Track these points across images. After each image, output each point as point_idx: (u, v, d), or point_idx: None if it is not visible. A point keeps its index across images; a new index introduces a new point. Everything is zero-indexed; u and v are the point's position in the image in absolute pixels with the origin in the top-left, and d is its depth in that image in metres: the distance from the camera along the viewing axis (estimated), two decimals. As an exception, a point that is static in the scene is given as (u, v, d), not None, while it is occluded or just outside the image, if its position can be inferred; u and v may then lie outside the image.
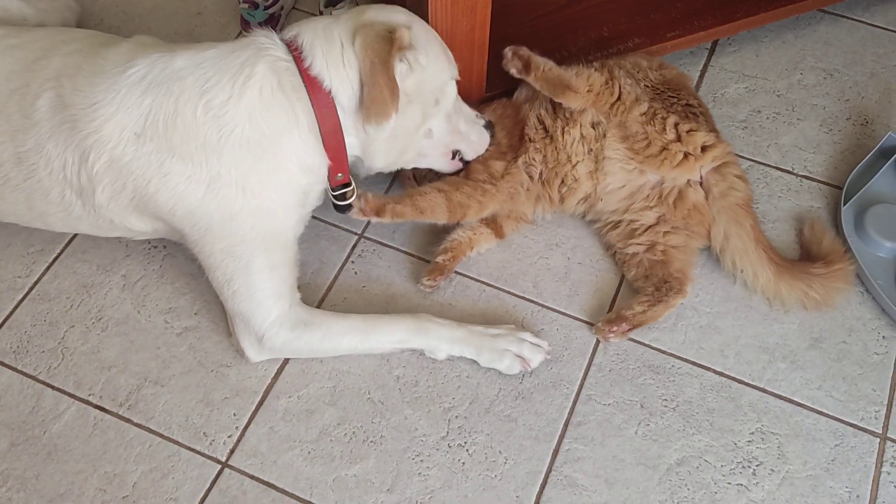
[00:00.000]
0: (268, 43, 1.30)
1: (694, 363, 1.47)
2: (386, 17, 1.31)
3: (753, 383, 1.45)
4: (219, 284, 1.38)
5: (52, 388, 1.42)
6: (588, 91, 1.49)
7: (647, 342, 1.49)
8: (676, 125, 1.48)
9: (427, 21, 1.43)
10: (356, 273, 1.57)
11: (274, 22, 1.85)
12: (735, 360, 1.47)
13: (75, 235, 1.58)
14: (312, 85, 1.28)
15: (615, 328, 1.45)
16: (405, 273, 1.56)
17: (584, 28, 1.75)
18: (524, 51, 1.51)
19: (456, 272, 1.56)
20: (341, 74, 1.28)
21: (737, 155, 1.70)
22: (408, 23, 1.32)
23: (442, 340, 1.42)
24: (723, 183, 1.49)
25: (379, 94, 1.25)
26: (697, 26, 1.75)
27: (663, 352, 1.48)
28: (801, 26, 1.91)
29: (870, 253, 1.57)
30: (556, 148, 1.52)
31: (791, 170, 1.70)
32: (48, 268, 1.55)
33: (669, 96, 1.53)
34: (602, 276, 1.56)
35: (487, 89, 1.63)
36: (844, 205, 1.60)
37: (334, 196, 1.43)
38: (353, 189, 1.42)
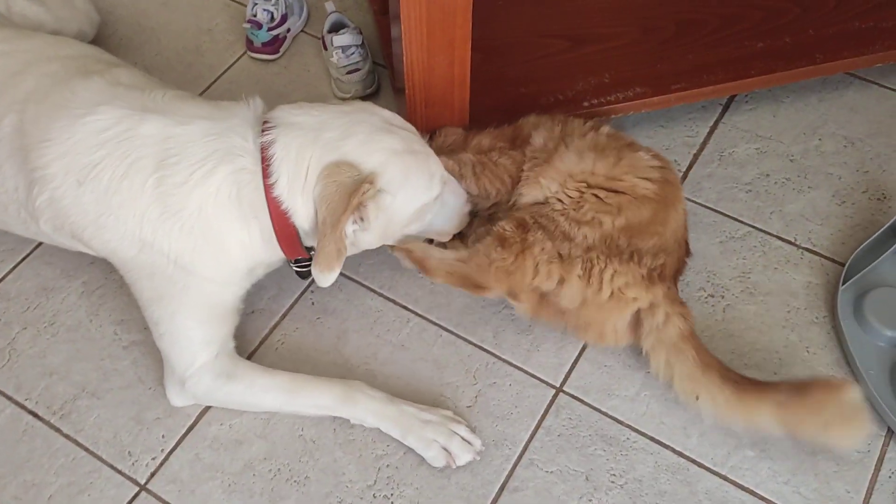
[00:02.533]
0: (238, 148, 1.23)
1: (652, 438, 1.36)
2: (361, 158, 1.22)
3: (715, 469, 1.33)
4: (149, 323, 1.35)
5: (-8, 388, 1.42)
6: (500, 282, 1.34)
7: (604, 409, 1.39)
8: (613, 277, 1.31)
9: (403, 58, 1.40)
10: (313, 304, 1.52)
11: (279, 43, 1.85)
12: (698, 441, 1.36)
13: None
14: (272, 202, 1.23)
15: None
16: (363, 309, 1.51)
17: (585, 73, 1.68)
18: (417, 251, 1.40)
19: (416, 313, 1.50)
20: (300, 204, 1.23)
21: (735, 220, 1.60)
22: (381, 166, 1.23)
23: (369, 414, 1.34)
24: (659, 317, 1.33)
25: (325, 250, 1.20)
26: (706, 80, 1.65)
27: (620, 422, 1.38)
28: (826, 89, 1.79)
29: (865, 340, 1.43)
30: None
31: (793, 240, 1.58)
32: (14, 267, 1.56)
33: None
34: (566, 335, 1.47)
35: (470, 126, 1.58)
36: (843, 284, 1.46)
37: (295, 268, 1.41)
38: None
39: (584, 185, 1.35)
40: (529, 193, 1.39)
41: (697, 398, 1.30)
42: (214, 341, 1.34)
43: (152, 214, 1.24)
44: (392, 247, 1.43)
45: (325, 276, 1.22)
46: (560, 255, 1.31)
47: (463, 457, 1.31)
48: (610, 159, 1.37)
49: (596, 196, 1.34)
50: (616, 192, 1.35)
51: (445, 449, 1.31)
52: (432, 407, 1.36)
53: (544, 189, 1.37)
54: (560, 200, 1.36)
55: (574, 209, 1.34)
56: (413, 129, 1.32)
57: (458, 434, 1.32)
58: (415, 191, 1.28)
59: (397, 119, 1.31)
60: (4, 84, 1.36)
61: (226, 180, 1.23)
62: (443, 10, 1.33)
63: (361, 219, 1.24)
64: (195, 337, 1.32)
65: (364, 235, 1.27)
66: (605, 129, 1.44)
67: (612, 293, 1.31)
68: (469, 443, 1.32)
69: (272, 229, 1.26)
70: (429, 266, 1.39)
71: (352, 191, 1.19)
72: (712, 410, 1.30)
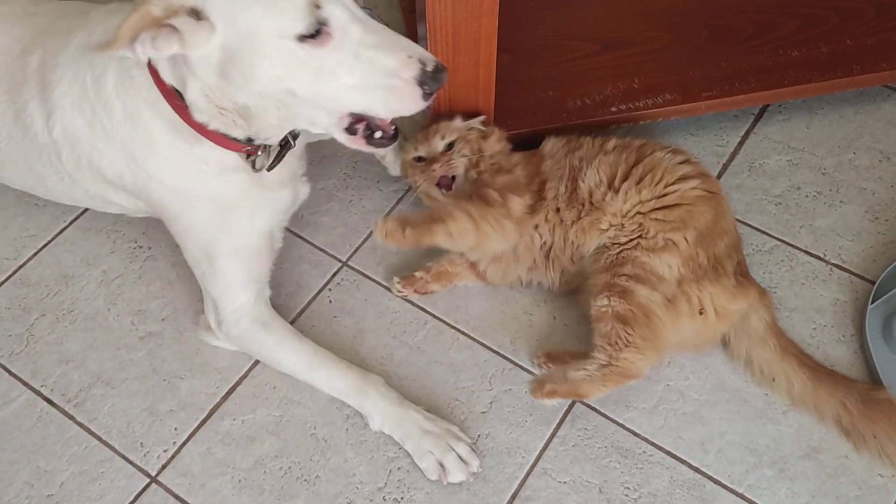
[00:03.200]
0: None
1: (668, 452, 1.33)
2: None
3: (731, 486, 1.30)
4: (191, 263, 1.38)
5: (9, 373, 1.43)
6: (656, 356, 1.31)
7: (620, 421, 1.36)
8: (712, 299, 1.32)
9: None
10: (331, 301, 1.51)
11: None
12: (716, 458, 1.33)
13: (69, 224, 1.60)
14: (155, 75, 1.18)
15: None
16: (381, 309, 1.50)
17: (614, 77, 1.65)
18: (561, 390, 1.31)
19: (433, 316, 1.48)
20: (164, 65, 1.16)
21: (763, 232, 1.56)
22: None
23: (376, 411, 1.33)
24: (748, 315, 1.36)
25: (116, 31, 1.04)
26: (738, 89, 1.62)
27: (637, 434, 1.35)
28: (863, 102, 1.75)
29: (894, 360, 1.39)
30: (564, 237, 1.40)
31: (822, 256, 1.54)
32: (35, 254, 1.57)
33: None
34: (586, 341, 1.44)
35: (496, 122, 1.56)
36: (873, 303, 1.42)
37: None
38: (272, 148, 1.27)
39: (640, 216, 1.34)
40: (590, 241, 1.37)
41: (774, 380, 1.36)
42: (251, 282, 1.35)
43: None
44: None
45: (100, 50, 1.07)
46: (667, 300, 1.30)
47: (455, 475, 1.29)
48: (646, 179, 1.35)
49: (656, 219, 1.33)
50: (670, 207, 1.33)
51: (439, 462, 1.29)
52: (440, 418, 1.34)
53: (603, 237, 1.35)
54: (625, 237, 1.34)
55: (644, 238, 1.32)
56: None
57: (455, 451, 1.30)
58: (251, 14, 1.05)
59: None
60: (38, 34, 1.35)
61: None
62: (468, 10, 1.31)
63: (172, 41, 1.06)
64: (233, 275, 1.34)
65: (203, 76, 1.12)
66: (612, 142, 1.42)
67: (716, 313, 1.33)
68: (466, 462, 1.29)
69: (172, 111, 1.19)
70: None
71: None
72: (787, 395, 1.36)
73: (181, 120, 1.19)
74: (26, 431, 1.37)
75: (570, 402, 1.38)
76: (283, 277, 1.50)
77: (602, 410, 1.37)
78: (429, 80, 1.12)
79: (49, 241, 1.58)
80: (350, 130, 1.21)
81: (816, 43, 1.67)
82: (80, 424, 1.38)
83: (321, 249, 1.57)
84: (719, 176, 1.65)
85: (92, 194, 1.40)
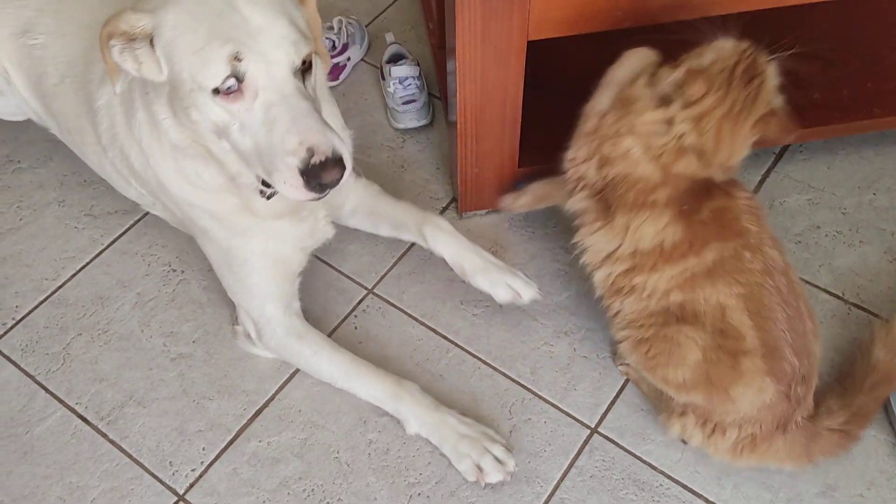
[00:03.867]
0: None
1: (685, 486, 1.35)
2: (152, 3, 1.12)
3: (747, 521, 1.32)
4: (217, 275, 1.47)
5: (46, 390, 1.48)
6: None
7: (638, 453, 1.39)
8: None
9: (457, 94, 1.43)
10: (356, 328, 1.55)
11: (339, 70, 1.91)
12: (732, 493, 1.34)
13: (107, 247, 1.66)
14: None
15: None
16: (405, 337, 1.54)
17: (637, 115, 1.68)
18: None
19: (455, 344, 1.52)
20: None
21: (782, 270, 1.59)
22: (157, 7, 1.11)
23: (413, 416, 1.38)
24: None
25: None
26: (759, 129, 1.65)
27: (654, 467, 1.37)
28: (884, 143, 1.77)
29: (911, 401, 1.40)
30: None
31: (841, 295, 1.56)
32: (74, 275, 1.63)
33: None
34: (605, 374, 1.47)
35: (520, 164, 1.60)
36: (891, 343, 1.44)
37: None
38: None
39: None
40: None
41: None
42: (276, 294, 1.42)
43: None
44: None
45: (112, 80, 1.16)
46: None
47: (493, 475, 1.33)
48: None
49: None
50: None
51: (477, 465, 1.33)
52: (475, 422, 1.39)
53: None
54: None
55: None
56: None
57: (491, 452, 1.34)
58: (181, 58, 1.10)
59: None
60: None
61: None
62: (497, 50, 1.36)
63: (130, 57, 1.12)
64: (257, 286, 1.40)
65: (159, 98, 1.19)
66: None
67: None
68: (502, 463, 1.34)
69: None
70: None
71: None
72: None
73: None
74: (60, 448, 1.42)
75: (587, 434, 1.41)
76: (309, 303, 1.55)
77: (620, 442, 1.40)
78: (312, 173, 1.09)
79: (87, 263, 1.64)
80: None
81: (838, 85, 1.70)
82: (112, 442, 1.42)
83: (348, 276, 1.62)
84: (740, 213, 1.68)
85: (127, 180, 1.49)
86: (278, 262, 1.41)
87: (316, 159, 1.08)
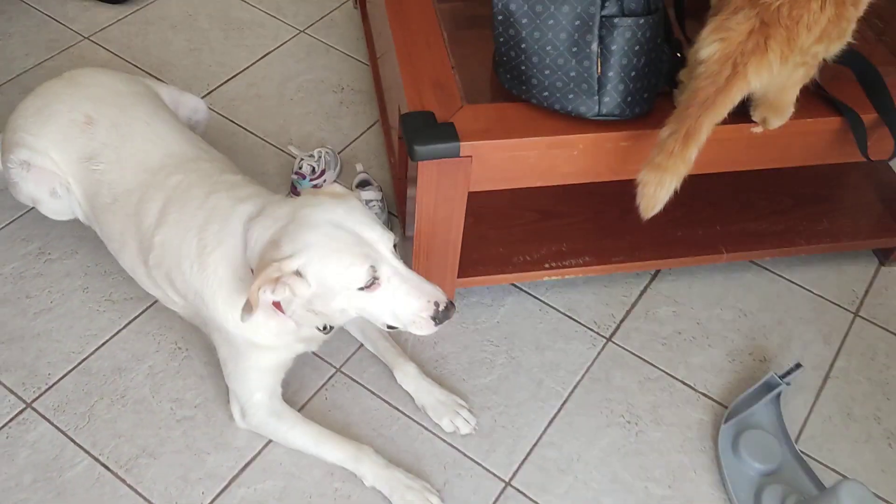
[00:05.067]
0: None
1: (573, 527, 1.81)
2: (291, 249, 1.53)
3: (617, 554, 1.77)
4: (220, 362, 1.85)
5: (74, 442, 1.84)
6: None
7: (539, 502, 1.84)
8: None
9: (415, 222, 1.91)
10: (326, 399, 1.98)
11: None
12: (607, 532, 1.81)
13: (124, 327, 2.05)
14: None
15: None
16: (364, 406, 1.96)
17: (548, 241, 2.20)
18: None
19: (403, 413, 1.96)
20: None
21: (652, 365, 2.10)
22: (298, 251, 1.52)
23: (369, 473, 1.80)
24: None
25: (247, 298, 1.54)
26: (638, 257, 2.19)
27: (551, 513, 1.83)
28: (731, 271, 2.34)
29: (738, 469, 1.90)
30: None
31: (693, 385, 2.08)
32: (96, 349, 2.01)
33: None
34: (518, 440, 1.93)
35: (459, 275, 2.09)
36: (725, 423, 1.95)
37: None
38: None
39: None
40: None
41: None
42: (268, 386, 1.82)
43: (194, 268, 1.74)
44: None
45: (243, 315, 1.54)
46: None
47: None
48: None
49: None
50: None
51: None
52: (417, 477, 1.82)
53: None
54: None
55: None
56: (365, 222, 1.58)
57: (430, 501, 1.77)
58: (327, 280, 1.53)
59: (353, 214, 1.58)
60: (189, 161, 1.90)
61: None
62: (446, 197, 1.86)
63: (285, 289, 1.53)
64: (253, 379, 1.80)
65: (299, 303, 1.59)
66: None
67: None
68: None
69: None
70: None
71: (268, 265, 1.52)
72: None
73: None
74: (87, 489, 1.77)
75: (503, 486, 1.85)
76: (290, 378, 1.96)
77: (527, 493, 1.84)
78: (440, 316, 1.57)
79: (107, 340, 2.02)
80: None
81: (694, 226, 2.26)
82: (129, 486, 1.79)
83: (320, 357, 2.05)
84: (623, 319, 2.20)
85: (158, 285, 1.88)
86: (278, 367, 1.83)
87: (443, 305, 1.57)
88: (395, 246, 1.62)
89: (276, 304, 1.64)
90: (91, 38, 2.83)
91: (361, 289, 1.54)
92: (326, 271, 1.53)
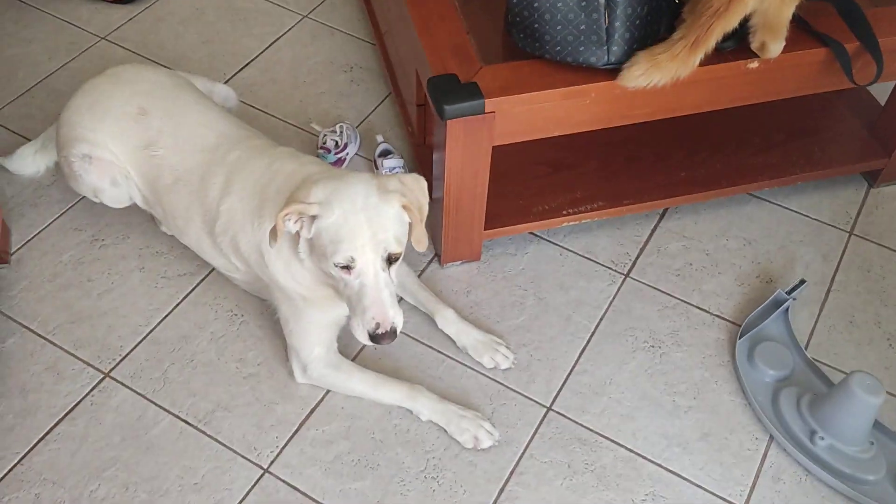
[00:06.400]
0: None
1: (612, 440, 2.00)
2: (320, 199, 1.70)
3: (653, 459, 1.97)
4: (281, 322, 2.02)
5: (154, 403, 2.02)
6: None
7: (580, 421, 2.03)
8: None
9: (444, 180, 2.08)
10: (375, 349, 2.16)
11: (341, 163, 2.54)
12: (643, 442, 2.00)
13: (182, 300, 2.22)
14: None
15: None
16: (411, 353, 2.15)
17: (563, 190, 2.38)
18: None
19: (447, 356, 2.14)
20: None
21: (669, 295, 2.29)
22: (323, 205, 1.69)
23: (425, 408, 1.99)
24: None
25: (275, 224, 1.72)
26: (647, 198, 2.37)
27: (591, 430, 2.02)
28: (732, 205, 2.53)
29: (755, 377, 2.10)
30: None
31: (707, 309, 2.27)
32: (161, 321, 2.18)
33: None
34: (554, 371, 2.12)
35: (486, 227, 2.27)
36: (740, 339, 2.15)
37: None
38: None
39: None
40: None
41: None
42: (325, 341, 1.99)
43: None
44: None
45: (270, 241, 1.74)
46: None
47: (485, 442, 1.95)
48: None
49: None
50: None
51: (475, 436, 1.94)
52: (467, 408, 2.01)
53: None
54: None
55: None
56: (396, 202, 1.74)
57: (483, 427, 1.96)
58: (327, 242, 1.69)
59: (380, 213, 1.71)
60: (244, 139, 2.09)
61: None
62: (472, 152, 2.03)
63: (301, 225, 1.73)
64: (313, 335, 1.98)
65: (306, 249, 1.80)
66: None
67: None
68: (490, 434, 1.96)
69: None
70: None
71: (296, 201, 1.71)
72: None
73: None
74: (172, 442, 1.96)
75: (544, 411, 2.05)
76: (341, 334, 2.14)
77: (567, 415, 2.04)
78: (375, 338, 1.72)
79: (169, 312, 2.20)
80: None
81: (696, 167, 2.45)
82: (209, 437, 1.97)
83: (365, 313, 2.23)
84: (637, 256, 2.38)
85: (223, 253, 2.05)
86: (333, 323, 2.01)
87: (381, 330, 1.71)
88: (397, 257, 1.73)
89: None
90: (107, 37, 2.97)
91: (337, 266, 1.71)
92: (327, 233, 1.70)
